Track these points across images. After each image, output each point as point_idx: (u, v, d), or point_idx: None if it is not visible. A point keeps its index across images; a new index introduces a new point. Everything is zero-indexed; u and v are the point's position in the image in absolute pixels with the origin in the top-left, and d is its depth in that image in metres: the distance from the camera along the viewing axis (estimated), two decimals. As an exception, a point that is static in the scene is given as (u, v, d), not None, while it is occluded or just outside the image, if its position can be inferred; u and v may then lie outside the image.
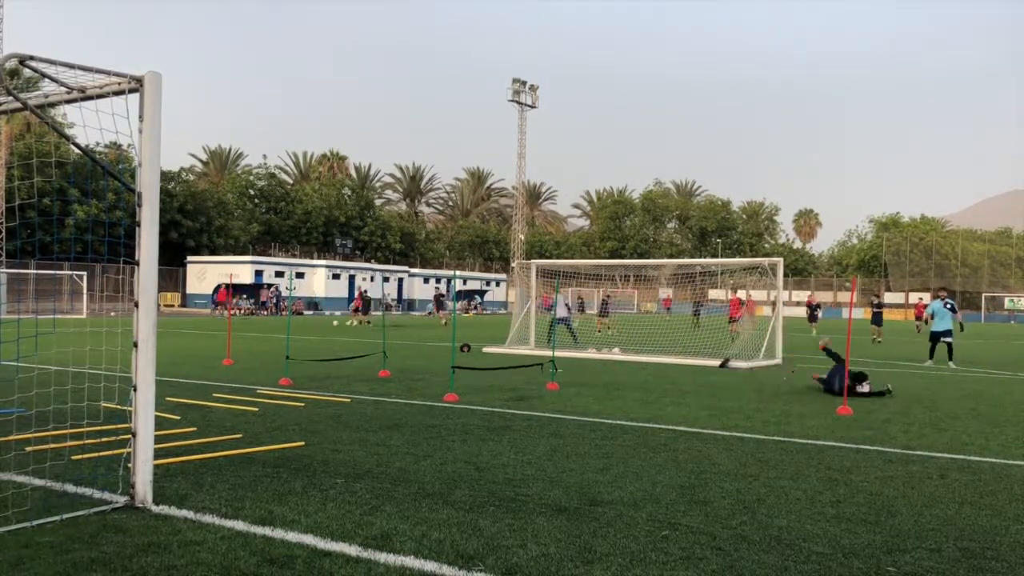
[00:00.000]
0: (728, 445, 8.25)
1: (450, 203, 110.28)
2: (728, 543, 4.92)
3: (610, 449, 7.89)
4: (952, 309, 20.17)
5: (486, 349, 21.21)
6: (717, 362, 17.76)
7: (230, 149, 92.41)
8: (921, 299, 55.59)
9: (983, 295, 78.37)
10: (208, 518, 5.22)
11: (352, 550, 4.63)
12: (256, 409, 9.96)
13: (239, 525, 5.07)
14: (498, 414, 9.81)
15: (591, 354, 20.17)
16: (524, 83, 74.07)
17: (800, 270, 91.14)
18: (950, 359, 19.81)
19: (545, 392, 12.25)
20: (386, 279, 66.27)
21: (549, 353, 14.43)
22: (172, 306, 56.98)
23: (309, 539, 4.81)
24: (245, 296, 51.37)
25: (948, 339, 19.90)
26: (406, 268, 72.43)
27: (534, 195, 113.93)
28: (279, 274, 55.04)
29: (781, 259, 21.25)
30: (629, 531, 5.12)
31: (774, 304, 21.81)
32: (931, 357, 20.09)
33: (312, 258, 69.16)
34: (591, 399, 11.63)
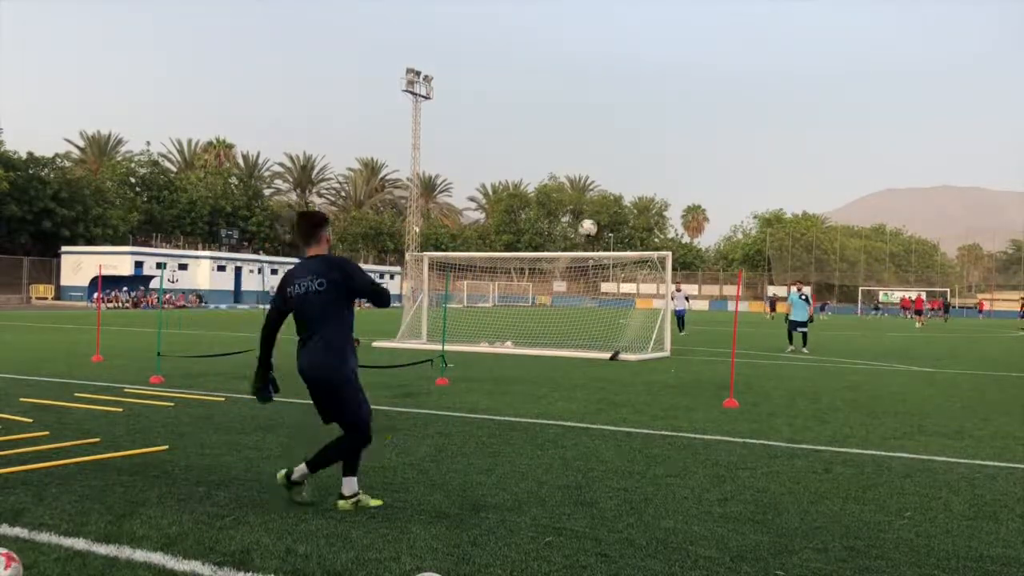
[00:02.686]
0: (616, 441, 8.08)
1: (343, 194, 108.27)
2: (614, 548, 4.69)
3: (497, 448, 7.61)
4: (806, 300, 21.99)
5: (376, 343, 20.68)
6: (607, 355, 17.76)
7: (110, 135, 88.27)
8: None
9: (860, 289, 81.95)
10: (44, 536, 4.66)
11: (205, 570, 4.18)
12: (120, 410, 9.28)
13: (79, 544, 4.54)
14: (383, 412, 9.35)
15: (483, 348, 19.92)
16: (419, 73, 72.90)
17: (688, 264, 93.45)
18: (804, 346, 21.52)
19: (434, 388, 11.89)
20: (274, 271, 64.55)
21: (440, 347, 14.06)
22: (45, 298, 54.06)
23: (158, 558, 4.33)
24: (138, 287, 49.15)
25: (803, 329, 21.73)
26: (296, 259, 70.78)
27: (429, 187, 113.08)
28: (160, 265, 52.84)
29: (670, 253, 21.85)
30: (511, 538, 4.83)
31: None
32: (791, 343, 21.78)
33: (197, 249, 66.67)
34: (481, 395, 11.35)
